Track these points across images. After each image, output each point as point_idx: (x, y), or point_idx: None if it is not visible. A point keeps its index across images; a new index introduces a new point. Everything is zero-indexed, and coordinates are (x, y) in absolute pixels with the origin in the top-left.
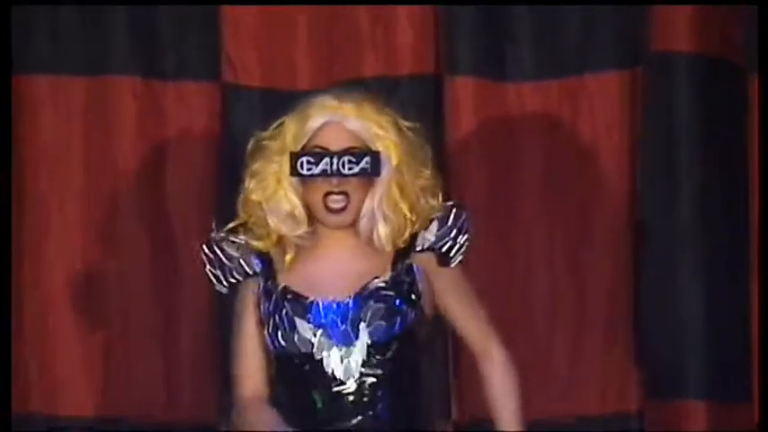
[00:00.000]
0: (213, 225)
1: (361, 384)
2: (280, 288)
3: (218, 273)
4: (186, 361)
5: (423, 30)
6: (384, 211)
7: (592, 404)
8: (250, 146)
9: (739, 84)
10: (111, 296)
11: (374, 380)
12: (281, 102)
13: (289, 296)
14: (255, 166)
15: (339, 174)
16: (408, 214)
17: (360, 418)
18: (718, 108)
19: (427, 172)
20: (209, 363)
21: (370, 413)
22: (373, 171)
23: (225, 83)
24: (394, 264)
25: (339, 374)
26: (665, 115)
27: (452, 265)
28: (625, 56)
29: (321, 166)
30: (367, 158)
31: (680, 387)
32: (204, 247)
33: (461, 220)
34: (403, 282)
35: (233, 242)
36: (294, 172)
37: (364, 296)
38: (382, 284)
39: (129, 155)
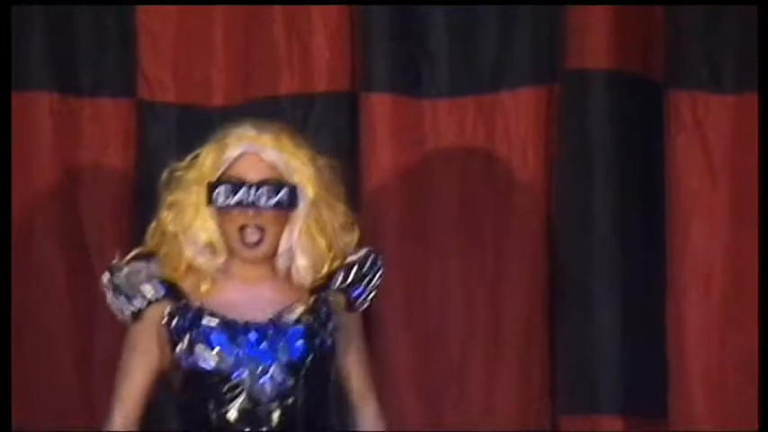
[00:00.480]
0: (116, 254)
1: (272, 405)
2: (196, 306)
3: (121, 301)
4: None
5: (338, 47)
6: (303, 246)
7: (509, 423)
8: (164, 176)
9: (654, 100)
10: (30, 319)
11: (288, 402)
12: (197, 119)
13: (206, 314)
14: (172, 197)
15: (255, 206)
16: (326, 250)
17: None
18: (634, 125)
19: (342, 207)
20: None
21: None
22: (290, 204)
23: (140, 99)
24: (312, 295)
25: (254, 393)
26: (580, 133)
27: (357, 311)
28: (541, 72)
29: (237, 197)
30: (284, 191)
31: (595, 403)
32: (107, 274)
33: (376, 268)
34: (321, 310)
35: (136, 270)
36: (210, 202)
37: (283, 318)
38: (301, 309)
39: (45, 171)
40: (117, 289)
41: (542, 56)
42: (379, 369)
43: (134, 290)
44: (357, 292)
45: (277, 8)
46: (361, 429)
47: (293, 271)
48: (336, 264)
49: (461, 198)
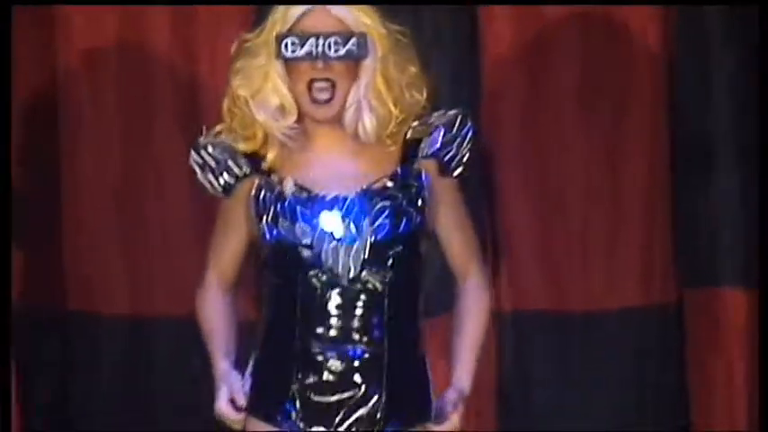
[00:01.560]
0: (203, 130)
1: (355, 286)
2: (284, 179)
3: (210, 177)
4: None
5: None
6: (370, 101)
7: (631, 296)
8: (234, 48)
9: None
10: (148, 200)
11: (372, 286)
12: None
13: (294, 187)
14: (239, 63)
15: (324, 56)
16: (393, 108)
17: (349, 332)
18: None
19: (413, 69)
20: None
21: (358, 327)
22: (360, 53)
23: None
24: (401, 165)
25: (337, 269)
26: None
27: (453, 176)
28: None
29: (306, 48)
30: (353, 40)
31: (716, 275)
32: (192, 152)
33: (465, 129)
34: (411, 185)
35: (219, 145)
36: (279, 54)
37: (370, 193)
38: (390, 184)
39: (163, 59)
40: (204, 166)
41: None
42: (500, 240)
43: (221, 166)
44: (449, 156)
45: None
46: (461, 303)
47: (359, 129)
48: (402, 122)
49: (581, 67)
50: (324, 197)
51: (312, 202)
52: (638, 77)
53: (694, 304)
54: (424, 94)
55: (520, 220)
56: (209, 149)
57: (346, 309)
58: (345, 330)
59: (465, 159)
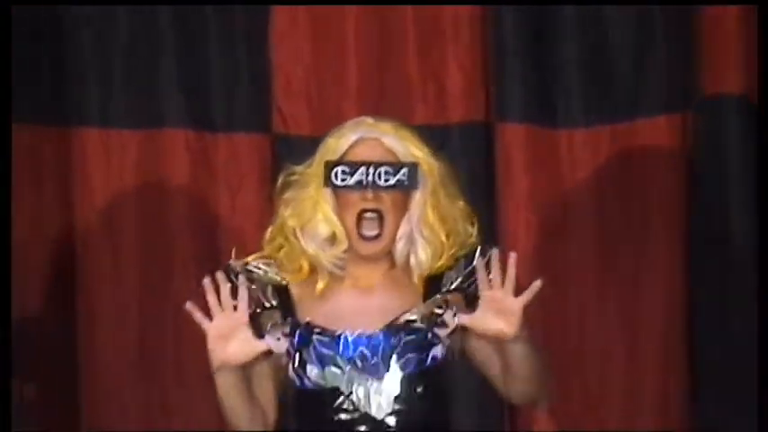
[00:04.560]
0: (233, 253)
1: (388, 422)
2: (303, 323)
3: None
4: None
5: (473, 78)
6: (422, 233)
7: None
8: (280, 180)
9: None
10: (166, 348)
11: (404, 420)
12: None
13: (316, 330)
14: (289, 194)
15: (375, 185)
16: (445, 239)
17: None
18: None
19: (461, 202)
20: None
21: None
22: (411, 184)
23: (275, 133)
24: (424, 299)
25: (369, 410)
26: (716, 158)
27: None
28: (675, 100)
29: (356, 177)
30: (404, 170)
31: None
32: (222, 273)
33: (486, 259)
34: (436, 316)
35: (251, 272)
36: (328, 182)
37: (394, 328)
38: (413, 318)
39: (181, 206)
40: (233, 289)
41: (675, 83)
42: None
43: (249, 292)
44: (472, 288)
45: (410, 39)
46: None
47: (412, 261)
48: (454, 253)
49: (598, 228)
50: (346, 337)
51: (337, 344)
52: (655, 220)
53: None
54: (476, 227)
55: None
56: (241, 277)
57: None
58: None
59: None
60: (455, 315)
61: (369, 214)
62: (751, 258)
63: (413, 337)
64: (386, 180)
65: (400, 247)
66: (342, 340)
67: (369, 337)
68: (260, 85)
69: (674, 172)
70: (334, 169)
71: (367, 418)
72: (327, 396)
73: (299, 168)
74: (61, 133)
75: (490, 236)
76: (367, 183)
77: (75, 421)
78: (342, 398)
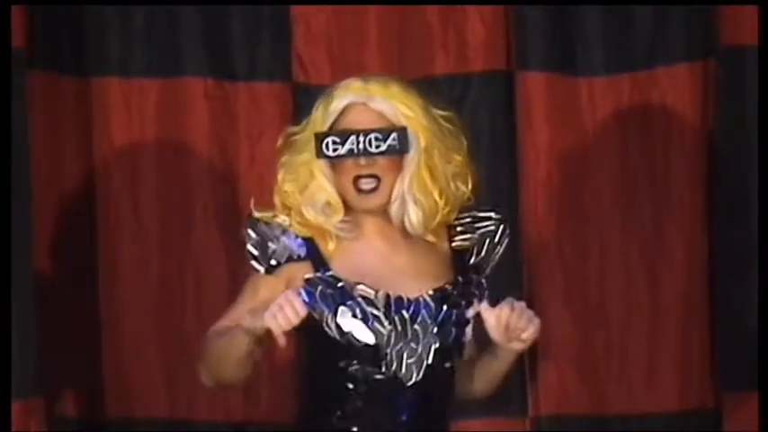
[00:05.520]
0: (252, 205)
1: (415, 390)
2: (344, 278)
3: (259, 253)
4: (264, 363)
5: (493, 27)
6: (414, 194)
7: (670, 400)
8: (280, 141)
9: None
10: (187, 299)
11: (428, 391)
12: None
13: (359, 287)
14: (285, 158)
15: (366, 153)
16: (438, 199)
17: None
18: None
19: (459, 158)
20: (287, 364)
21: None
22: (401, 148)
23: (296, 83)
24: (455, 266)
25: (399, 372)
26: (736, 108)
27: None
28: (696, 49)
29: (347, 146)
30: (394, 135)
31: (756, 380)
32: (248, 226)
33: (505, 238)
34: (471, 294)
35: (277, 224)
36: (320, 154)
37: (437, 298)
38: (451, 290)
39: (201, 156)
40: (260, 240)
41: (696, 32)
42: (540, 346)
43: (277, 243)
44: (490, 265)
45: None
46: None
47: (406, 222)
48: (448, 213)
49: (619, 175)
50: (389, 298)
51: (381, 302)
52: (677, 180)
53: (734, 409)
54: (470, 186)
55: (559, 328)
56: (268, 227)
57: (402, 411)
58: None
59: (497, 261)
60: (481, 301)
61: (365, 180)
62: None
63: (454, 309)
64: (377, 147)
65: (395, 207)
66: (385, 299)
67: (413, 302)
68: (280, 33)
69: (695, 120)
70: (325, 140)
71: (393, 381)
72: (361, 351)
73: (296, 128)
74: (81, 83)
75: (512, 185)
76: (358, 151)
77: (96, 374)
78: (376, 355)
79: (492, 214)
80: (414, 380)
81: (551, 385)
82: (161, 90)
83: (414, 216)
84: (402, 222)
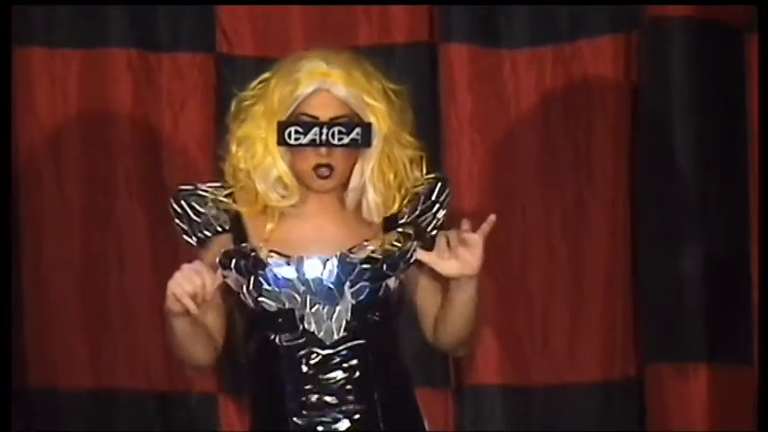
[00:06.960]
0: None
1: (338, 348)
2: (259, 247)
3: (186, 227)
4: None
5: None
6: (374, 183)
7: (593, 370)
8: (233, 107)
9: (734, 46)
10: (110, 269)
11: (356, 344)
12: None
13: (272, 253)
14: (241, 131)
15: (328, 144)
16: (396, 187)
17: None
18: (713, 71)
19: (412, 140)
20: None
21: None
22: (364, 143)
23: (219, 53)
24: (385, 228)
25: (319, 333)
26: (660, 80)
27: (428, 237)
28: (620, 21)
29: (310, 136)
30: (357, 130)
31: (680, 350)
32: (172, 200)
33: (444, 196)
34: (394, 248)
35: (202, 197)
36: (282, 141)
37: (350, 256)
38: (371, 247)
39: (125, 126)
40: (185, 214)
41: (622, 4)
42: None
43: (201, 217)
44: (426, 222)
45: None
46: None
47: (363, 207)
48: (402, 198)
49: (542, 147)
50: (302, 260)
51: (293, 266)
52: (600, 153)
53: (657, 379)
54: (423, 170)
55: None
56: (192, 202)
57: (331, 372)
58: (334, 394)
59: (440, 224)
60: (415, 249)
61: (323, 169)
62: (695, 181)
63: (368, 266)
64: (339, 139)
65: (352, 195)
66: (297, 263)
67: (324, 262)
68: (204, 4)
69: (618, 93)
70: (288, 129)
71: (316, 342)
72: (279, 318)
73: (249, 93)
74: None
75: (435, 156)
76: (320, 141)
77: (19, 345)
78: (292, 319)
79: (430, 176)
80: (334, 338)
81: (474, 356)
82: (84, 60)
83: (373, 203)
84: (357, 208)
